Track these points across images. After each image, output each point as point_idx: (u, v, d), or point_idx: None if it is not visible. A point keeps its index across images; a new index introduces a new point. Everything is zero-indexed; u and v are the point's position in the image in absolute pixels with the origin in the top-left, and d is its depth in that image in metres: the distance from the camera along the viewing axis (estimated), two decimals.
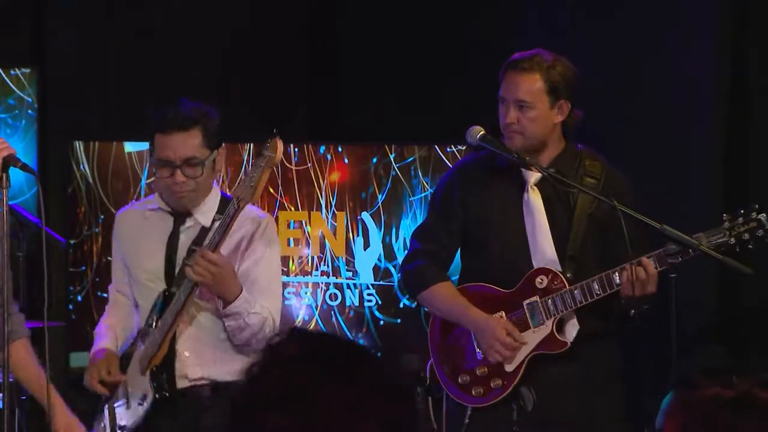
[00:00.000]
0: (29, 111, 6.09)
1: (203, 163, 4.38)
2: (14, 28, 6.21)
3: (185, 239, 4.47)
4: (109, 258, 5.82)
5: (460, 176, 4.67)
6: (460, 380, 4.56)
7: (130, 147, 5.96)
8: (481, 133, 4.53)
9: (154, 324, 4.43)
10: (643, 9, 5.52)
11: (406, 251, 4.86)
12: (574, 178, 4.53)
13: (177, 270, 4.45)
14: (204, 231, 4.44)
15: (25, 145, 6.03)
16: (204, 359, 4.43)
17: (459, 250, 4.70)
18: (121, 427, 4.46)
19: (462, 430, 4.51)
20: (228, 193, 4.67)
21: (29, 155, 5.99)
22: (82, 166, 5.95)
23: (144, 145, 5.93)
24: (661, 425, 2.34)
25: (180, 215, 4.47)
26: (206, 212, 4.47)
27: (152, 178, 5.90)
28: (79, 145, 5.95)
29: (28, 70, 6.09)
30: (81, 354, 5.73)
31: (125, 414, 4.46)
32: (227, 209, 4.27)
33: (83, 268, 5.95)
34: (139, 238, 4.52)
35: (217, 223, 4.40)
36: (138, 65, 6.25)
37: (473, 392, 4.54)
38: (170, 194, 4.43)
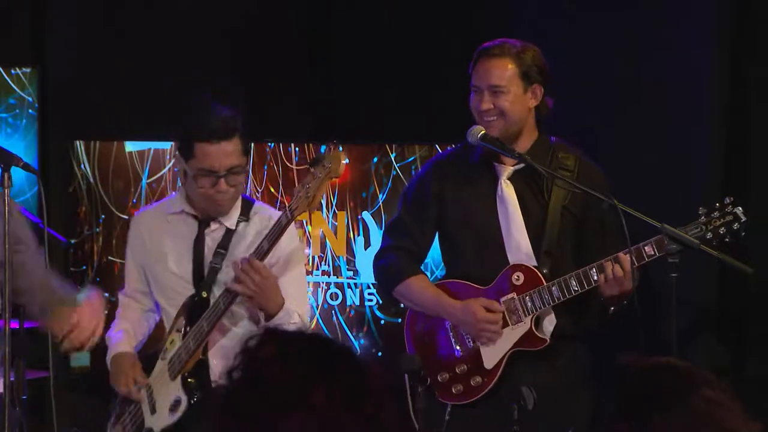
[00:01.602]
0: (30, 110, 6.09)
1: (245, 169, 4.36)
2: (15, 27, 6.21)
3: (210, 243, 4.43)
4: (110, 258, 5.84)
5: (434, 172, 4.69)
6: (439, 378, 4.57)
7: (130, 146, 5.96)
8: (482, 132, 4.54)
9: (183, 330, 4.38)
10: (642, 8, 5.52)
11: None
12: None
13: (206, 273, 4.41)
14: (229, 233, 4.41)
15: (25, 145, 6.03)
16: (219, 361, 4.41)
17: (435, 245, 4.73)
18: (148, 431, 4.43)
19: (442, 429, 4.51)
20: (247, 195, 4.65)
21: (30, 155, 5.99)
22: (82, 166, 5.95)
23: (144, 145, 5.93)
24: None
25: (205, 219, 4.44)
26: (231, 215, 4.44)
27: (153, 178, 5.90)
28: (79, 145, 5.95)
29: (28, 70, 6.09)
30: (81, 354, 5.73)
31: (151, 418, 4.41)
32: (279, 219, 4.21)
33: (84, 267, 5.95)
34: (162, 242, 4.46)
35: (241, 227, 4.37)
36: (138, 65, 6.25)
37: (453, 390, 4.56)
38: (210, 203, 4.35)
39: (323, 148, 5.94)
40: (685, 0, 5.44)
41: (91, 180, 5.95)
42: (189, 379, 4.35)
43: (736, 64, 5.34)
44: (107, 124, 6.17)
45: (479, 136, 4.53)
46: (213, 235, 4.42)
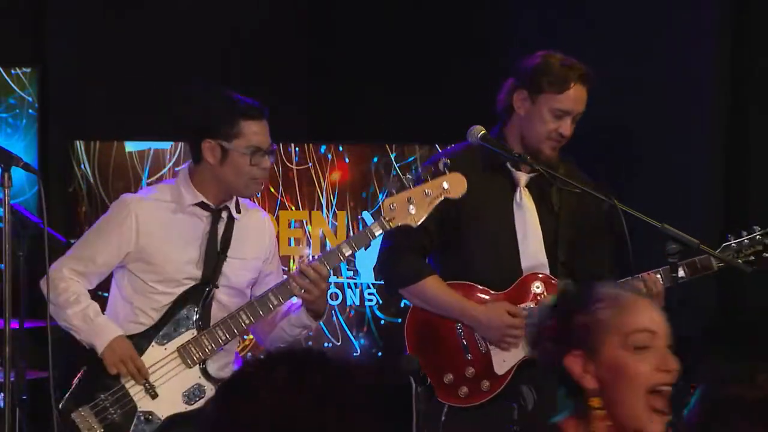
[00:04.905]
0: (30, 110, 6.09)
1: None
2: (15, 27, 6.21)
3: (219, 233, 4.43)
4: None
5: None
6: (444, 380, 4.51)
7: (130, 146, 5.96)
8: (482, 132, 4.52)
9: (196, 318, 4.35)
10: (643, 9, 5.52)
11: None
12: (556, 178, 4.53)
13: (215, 264, 4.39)
14: (230, 223, 4.42)
15: (25, 145, 6.03)
16: (214, 358, 4.44)
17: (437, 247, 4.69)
18: (149, 416, 4.36)
19: (439, 429, 4.48)
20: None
21: (30, 155, 5.99)
22: (82, 166, 5.95)
23: (144, 145, 5.93)
24: (687, 419, 2.36)
25: (217, 210, 4.42)
26: (233, 204, 4.46)
27: (153, 178, 5.90)
28: (79, 145, 5.96)
29: (29, 70, 6.09)
30: None
31: (152, 403, 4.35)
32: (370, 228, 4.28)
33: None
34: (172, 232, 4.41)
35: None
36: (138, 65, 6.25)
37: (459, 392, 4.51)
38: (253, 184, 4.38)
39: (323, 148, 5.94)
40: (685, 0, 5.44)
41: (91, 180, 5.95)
42: (206, 369, 4.36)
43: (736, 64, 5.34)
44: (107, 124, 6.17)
45: (479, 136, 4.51)
46: (221, 225, 4.43)
